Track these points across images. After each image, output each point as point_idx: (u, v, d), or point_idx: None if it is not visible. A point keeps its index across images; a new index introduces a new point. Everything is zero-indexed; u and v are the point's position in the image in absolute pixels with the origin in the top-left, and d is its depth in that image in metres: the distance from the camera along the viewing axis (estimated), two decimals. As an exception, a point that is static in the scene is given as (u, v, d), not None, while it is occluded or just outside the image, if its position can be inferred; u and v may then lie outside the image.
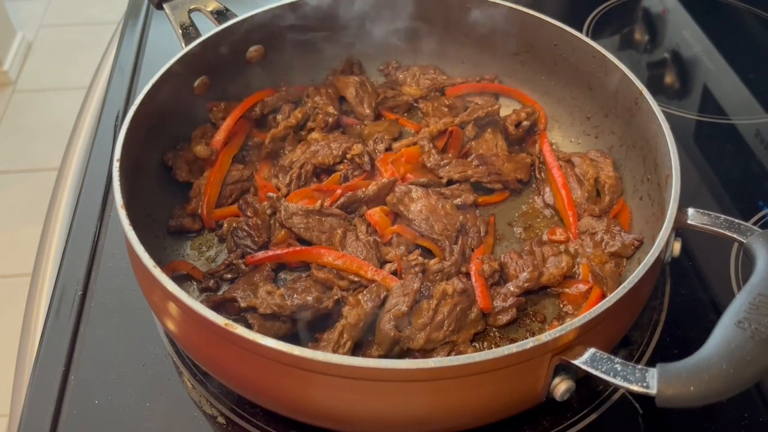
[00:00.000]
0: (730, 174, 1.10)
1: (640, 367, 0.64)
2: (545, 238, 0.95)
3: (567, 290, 0.88)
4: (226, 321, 0.65)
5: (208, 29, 0.98)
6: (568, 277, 0.89)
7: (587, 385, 0.81)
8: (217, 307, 0.84)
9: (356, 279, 0.86)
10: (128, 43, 1.32)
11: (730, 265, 0.95)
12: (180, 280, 0.88)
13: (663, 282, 0.93)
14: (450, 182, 0.98)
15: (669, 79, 1.31)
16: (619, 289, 0.69)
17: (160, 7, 1.02)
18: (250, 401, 0.79)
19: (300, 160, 0.99)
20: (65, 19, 3.47)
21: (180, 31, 0.99)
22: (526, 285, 0.86)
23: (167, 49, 1.05)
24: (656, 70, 1.32)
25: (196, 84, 0.99)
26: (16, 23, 3.24)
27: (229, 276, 0.88)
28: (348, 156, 0.99)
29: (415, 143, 1.02)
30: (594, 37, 1.18)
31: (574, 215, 0.95)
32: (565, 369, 0.67)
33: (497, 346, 0.83)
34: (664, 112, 0.89)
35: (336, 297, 0.83)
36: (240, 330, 0.64)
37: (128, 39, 1.33)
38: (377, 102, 1.11)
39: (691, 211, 0.79)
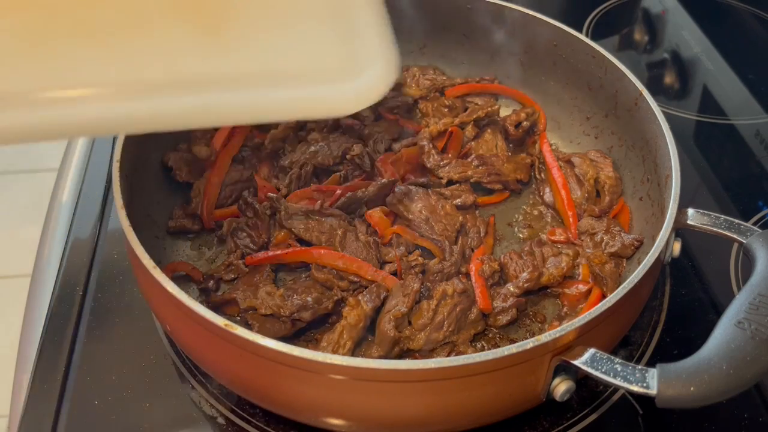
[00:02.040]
0: (730, 174, 1.10)
1: (640, 367, 0.64)
2: (545, 238, 0.95)
3: (567, 291, 0.88)
4: (226, 322, 0.65)
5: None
6: (568, 277, 0.89)
7: (587, 386, 0.81)
8: (217, 307, 0.84)
9: (356, 279, 0.86)
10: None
11: (730, 266, 0.95)
12: (180, 280, 0.88)
13: (663, 282, 0.93)
14: (450, 182, 0.98)
15: (669, 79, 1.31)
16: (619, 289, 0.69)
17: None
18: (250, 402, 0.79)
19: (300, 161, 0.99)
20: (65, 20, 3.47)
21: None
22: (525, 285, 0.86)
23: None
24: (656, 71, 1.32)
25: (195, 84, 0.99)
26: (16, 23, 3.24)
27: (229, 277, 0.88)
28: (348, 156, 0.99)
29: (415, 143, 1.02)
30: (594, 38, 1.18)
31: (574, 215, 0.95)
32: (565, 369, 0.67)
33: (497, 346, 0.83)
34: (664, 113, 0.89)
35: (336, 297, 0.83)
36: (240, 330, 0.64)
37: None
38: (377, 102, 1.11)
39: (691, 211, 0.79)
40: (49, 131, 0.57)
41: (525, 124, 1.05)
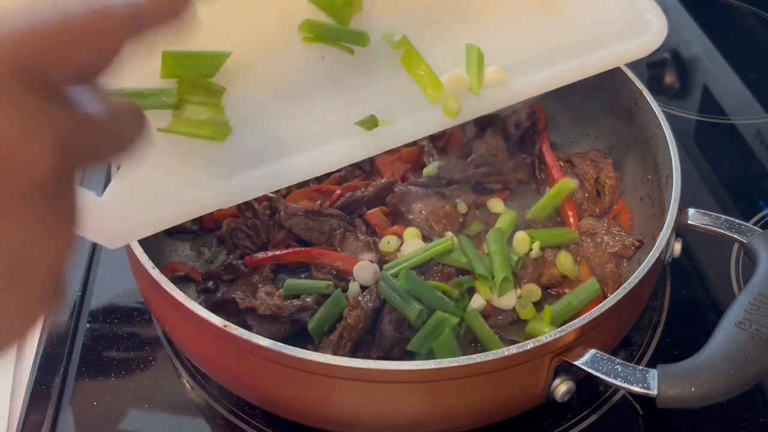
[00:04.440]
0: (731, 174, 1.10)
1: (640, 368, 0.64)
2: (545, 238, 0.94)
3: (567, 291, 0.88)
4: (225, 322, 0.64)
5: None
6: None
7: (588, 386, 0.81)
8: (216, 308, 0.84)
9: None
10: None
11: (731, 266, 0.95)
12: (179, 281, 0.88)
13: (663, 282, 0.93)
14: (450, 182, 0.98)
15: (669, 79, 1.30)
16: (619, 289, 0.69)
17: None
18: (249, 402, 0.79)
19: (299, 161, 0.98)
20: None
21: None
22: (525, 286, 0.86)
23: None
24: (656, 70, 1.32)
25: (195, 84, 0.99)
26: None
27: (228, 277, 0.88)
28: (347, 156, 0.99)
29: (415, 143, 1.02)
30: (594, 37, 1.18)
31: (574, 215, 0.95)
32: (565, 370, 0.67)
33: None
34: (664, 112, 0.89)
35: (335, 298, 0.82)
36: (239, 331, 0.64)
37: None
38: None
39: (691, 211, 0.79)
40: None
41: (525, 123, 1.05)
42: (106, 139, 0.38)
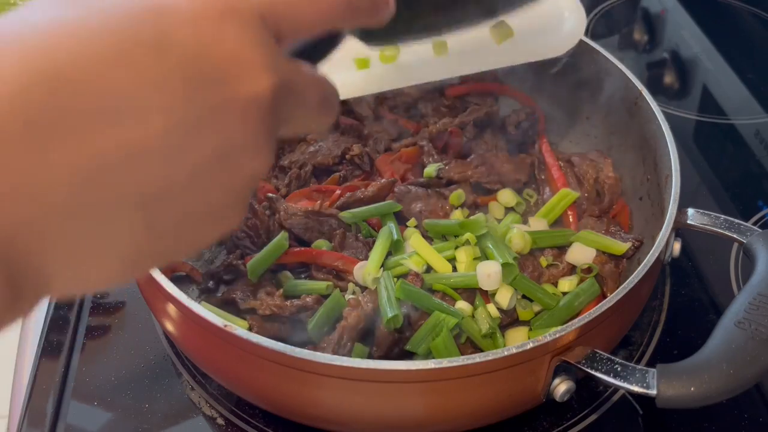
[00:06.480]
0: (730, 174, 1.10)
1: (640, 367, 0.64)
2: (545, 238, 0.94)
3: (567, 291, 0.88)
4: (225, 322, 0.65)
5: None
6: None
7: (587, 386, 0.81)
8: (216, 308, 0.84)
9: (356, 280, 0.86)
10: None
11: (730, 266, 0.95)
12: (179, 281, 0.88)
13: (663, 282, 0.93)
14: (450, 182, 0.98)
15: (669, 79, 1.30)
16: (619, 289, 0.69)
17: None
18: (250, 403, 0.79)
19: (299, 161, 0.99)
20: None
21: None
22: (525, 285, 0.86)
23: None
24: (656, 70, 1.32)
25: (195, 84, 0.99)
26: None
27: (228, 277, 0.88)
28: (347, 156, 0.99)
29: (414, 143, 1.02)
30: (594, 37, 1.18)
31: (574, 215, 0.95)
32: (565, 370, 0.67)
33: (497, 346, 0.83)
34: (664, 112, 0.89)
35: (335, 298, 0.82)
36: (239, 331, 0.64)
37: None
38: (377, 102, 1.10)
39: (690, 211, 0.79)
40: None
41: (525, 124, 1.05)
42: (311, 97, 0.44)
